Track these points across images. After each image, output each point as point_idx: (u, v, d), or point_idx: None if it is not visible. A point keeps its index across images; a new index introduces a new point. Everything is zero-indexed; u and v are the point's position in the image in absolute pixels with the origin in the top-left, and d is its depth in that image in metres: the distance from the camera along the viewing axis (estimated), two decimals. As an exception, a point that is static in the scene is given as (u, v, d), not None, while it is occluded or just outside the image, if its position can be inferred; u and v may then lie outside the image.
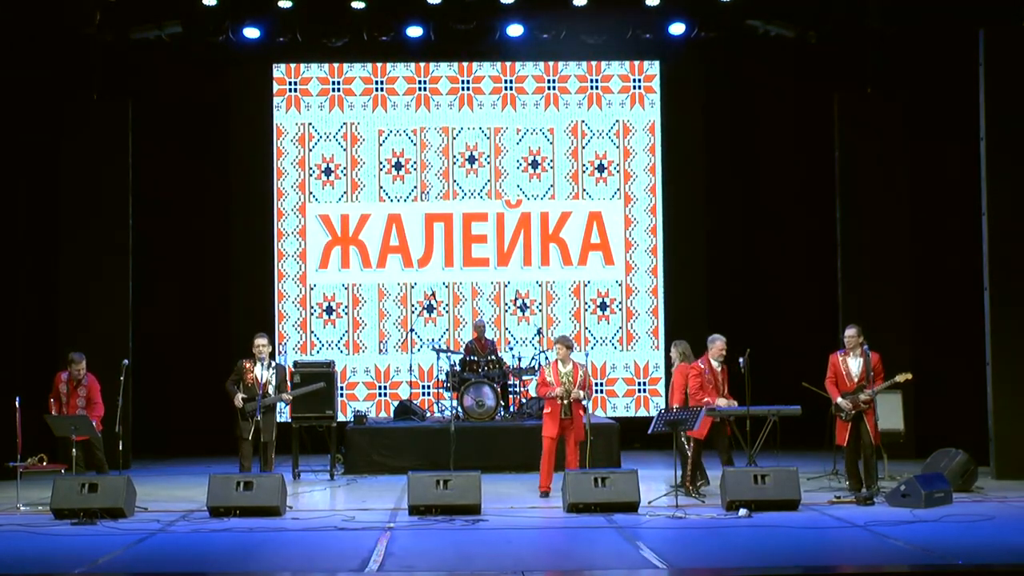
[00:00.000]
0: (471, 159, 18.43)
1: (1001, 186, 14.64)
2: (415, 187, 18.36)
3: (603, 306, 18.33)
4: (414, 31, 17.01)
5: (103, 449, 13.38)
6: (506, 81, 18.53)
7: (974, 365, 15.12)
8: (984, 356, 14.67)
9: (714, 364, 13.06)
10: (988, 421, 14.54)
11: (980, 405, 14.84)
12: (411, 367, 17.46)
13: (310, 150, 18.39)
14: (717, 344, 13.12)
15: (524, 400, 16.74)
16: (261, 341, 13.38)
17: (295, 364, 15.52)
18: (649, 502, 12.32)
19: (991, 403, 14.53)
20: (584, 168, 18.47)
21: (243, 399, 13.07)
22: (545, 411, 13.15)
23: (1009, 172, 14.63)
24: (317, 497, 13.58)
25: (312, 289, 18.30)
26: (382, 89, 18.41)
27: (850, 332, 12.97)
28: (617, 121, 18.49)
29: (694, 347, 13.47)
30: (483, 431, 15.47)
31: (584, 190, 18.47)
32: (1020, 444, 14.30)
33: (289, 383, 13.91)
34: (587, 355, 13.60)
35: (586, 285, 18.38)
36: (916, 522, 11.18)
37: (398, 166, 18.40)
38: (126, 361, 13.55)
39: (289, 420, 15.21)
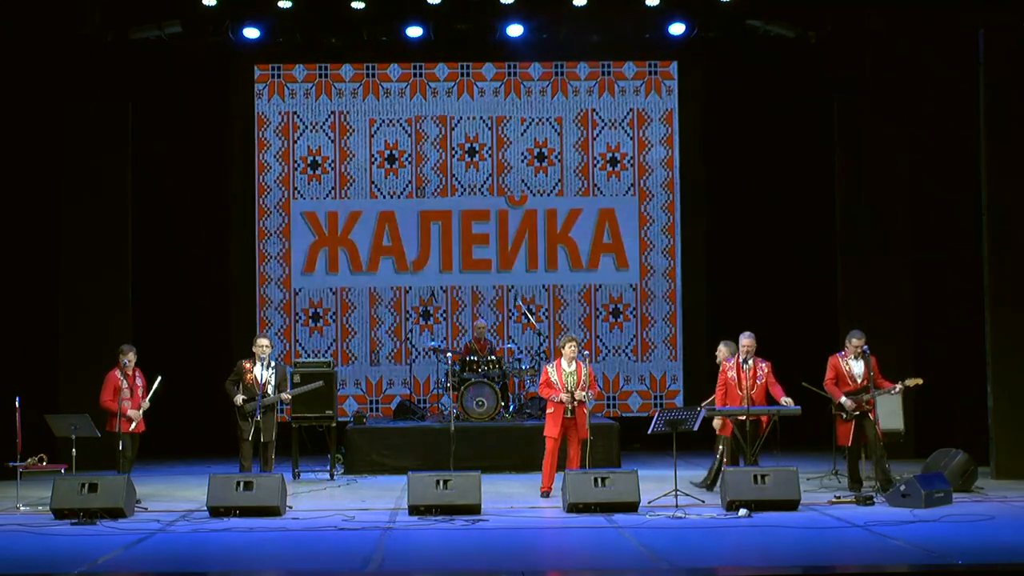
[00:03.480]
0: (471, 152, 17.78)
1: (1001, 186, 14.65)
2: (410, 182, 17.74)
3: (616, 312, 17.69)
4: (414, 31, 16.98)
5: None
6: (509, 67, 17.65)
7: (974, 365, 15.13)
8: (984, 356, 14.68)
9: (742, 364, 13.01)
10: (988, 421, 14.55)
11: (980, 405, 14.85)
12: (408, 377, 16.93)
13: (295, 141, 17.61)
14: (743, 343, 13.07)
15: (524, 400, 16.68)
16: (263, 341, 13.44)
17: (295, 364, 15.50)
18: (649, 502, 12.33)
19: (991, 403, 14.54)
20: (595, 161, 17.75)
21: (243, 399, 13.10)
22: (548, 411, 13.14)
23: (1009, 172, 14.64)
24: (317, 497, 13.57)
25: (297, 294, 17.57)
26: (374, 75, 17.65)
27: (858, 341, 13.00)
28: (631, 110, 17.73)
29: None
30: (483, 431, 15.40)
31: (595, 185, 17.73)
32: (1020, 444, 14.31)
33: (288, 382, 13.94)
34: (584, 356, 13.48)
35: (597, 289, 17.67)
36: (916, 522, 11.19)
37: (391, 159, 17.72)
38: (127, 361, 13.52)
39: (289, 420, 15.20)
